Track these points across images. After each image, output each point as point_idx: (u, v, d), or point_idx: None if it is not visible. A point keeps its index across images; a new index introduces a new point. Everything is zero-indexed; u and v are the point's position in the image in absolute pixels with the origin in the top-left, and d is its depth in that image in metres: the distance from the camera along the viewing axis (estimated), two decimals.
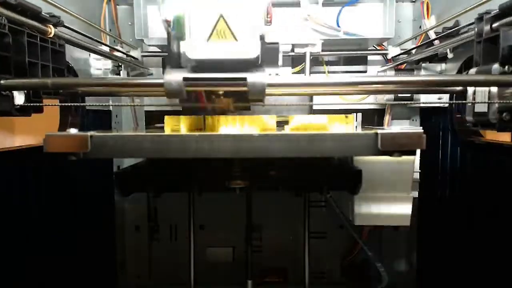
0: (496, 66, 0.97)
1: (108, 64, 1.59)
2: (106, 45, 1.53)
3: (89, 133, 0.84)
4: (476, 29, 1.07)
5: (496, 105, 1.01)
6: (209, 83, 0.88)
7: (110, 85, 1.05)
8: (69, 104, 1.17)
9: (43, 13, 1.04)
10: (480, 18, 1.05)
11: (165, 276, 1.90)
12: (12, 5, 0.91)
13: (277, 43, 1.02)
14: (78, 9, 1.31)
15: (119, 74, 1.67)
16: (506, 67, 0.95)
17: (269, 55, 0.94)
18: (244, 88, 0.86)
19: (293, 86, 1.01)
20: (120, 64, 1.63)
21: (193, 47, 0.84)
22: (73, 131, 0.87)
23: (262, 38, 0.85)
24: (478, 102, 1.08)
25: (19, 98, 0.94)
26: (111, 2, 1.70)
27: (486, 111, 1.06)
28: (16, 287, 1.14)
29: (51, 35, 1.06)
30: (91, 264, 1.58)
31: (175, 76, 0.86)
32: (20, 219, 1.17)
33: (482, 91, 1.06)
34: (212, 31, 0.83)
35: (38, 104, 1.00)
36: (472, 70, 1.08)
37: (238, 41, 0.83)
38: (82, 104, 1.33)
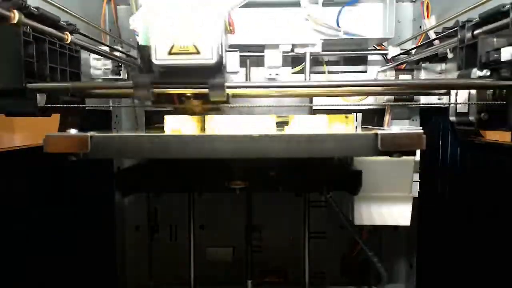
0: (475, 70, 1.06)
1: (108, 64, 1.59)
2: (106, 45, 1.53)
3: (89, 134, 0.84)
4: (459, 35, 1.17)
5: (475, 106, 1.13)
6: (173, 86, 1.00)
7: (123, 88, 1.13)
8: (69, 104, 1.18)
9: (61, 22, 1.13)
10: (462, 26, 1.15)
11: (165, 276, 1.90)
12: (34, 15, 0.99)
13: (236, 50, 1.14)
14: (78, 9, 1.31)
15: (119, 74, 1.67)
16: (484, 71, 1.04)
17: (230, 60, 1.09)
18: (206, 91, 0.97)
19: (250, 87, 1.12)
20: (120, 64, 1.63)
21: (159, 56, 0.92)
22: (73, 131, 0.87)
23: (221, 46, 0.93)
24: (477, 103, 1.12)
25: (41, 100, 1.03)
26: (111, 2, 1.70)
27: (467, 111, 1.18)
28: (16, 287, 1.14)
29: (68, 42, 1.15)
30: (91, 264, 1.58)
31: (144, 80, 0.97)
32: (20, 219, 1.17)
33: (463, 93, 1.18)
34: (172, 46, 0.92)
35: (56, 105, 1.09)
36: (455, 74, 1.19)
37: (200, 52, 0.91)
38: (82, 104, 1.33)
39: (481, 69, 1.04)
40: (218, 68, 0.95)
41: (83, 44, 1.26)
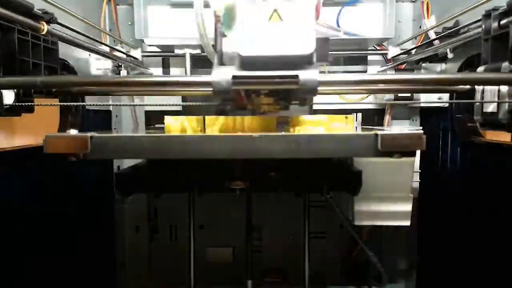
0: (506, 64, 0.95)
1: (108, 64, 1.59)
2: (106, 45, 1.53)
3: (89, 134, 0.84)
4: (483, 26, 1.03)
5: (507, 105, 0.98)
6: (260, 81, 0.83)
7: (108, 84, 1.01)
8: (69, 104, 1.17)
9: (35, 10, 1.00)
10: (487, 15, 1.02)
11: (165, 276, 1.90)
12: (2, 1, 0.88)
13: (327, 38, 0.94)
14: (78, 9, 1.31)
15: (119, 74, 1.67)
16: None
17: (320, 51, 0.86)
18: (295, 86, 0.81)
19: (346, 84, 0.96)
20: (120, 64, 1.63)
21: (245, 44, 0.78)
22: (73, 132, 0.87)
23: (314, 33, 0.80)
24: (478, 102, 1.08)
25: (8, 98, 0.92)
26: (111, 2, 1.70)
27: (496, 111, 1.03)
28: (16, 287, 1.14)
29: (44, 32, 1.02)
30: (91, 264, 1.58)
31: (224, 74, 0.80)
32: (20, 219, 1.17)
33: (491, 90, 1.03)
34: (264, 28, 0.78)
35: (28, 103, 0.97)
36: (480, 69, 1.04)
37: (294, 38, 0.78)
38: (81, 104, 1.33)
39: None
40: (310, 59, 0.82)
41: (62, 35, 1.14)
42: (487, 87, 1.03)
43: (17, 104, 0.94)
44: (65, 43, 1.18)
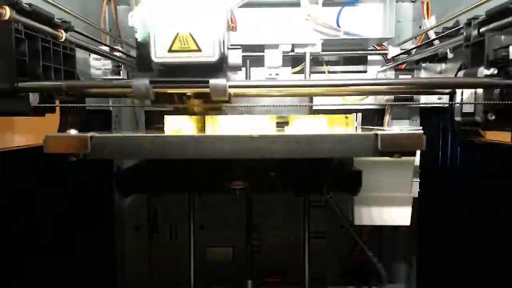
0: (481, 69, 1.03)
1: (108, 64, 1.59)
2: (106, 45, 1.53)
3: (89, 134, 0.84)
4: (464, 33, 1.12)
5: (481, 105, 1.07)
6: (173, 85, 0.95)
7: (119, 87, 1.09)
8: (69, 104, 1.18)
9: (55, 19, 1.09)
10: (468, 23, 1.11)
11: (165, 276, 1.90)
12: (27, 12, 0.96)
13: (239, 47, 1.05)
14: (78, 9, 1.31)
15: (119, 74, 1.67)
16: (491, 69, 1.00)
17: (232, 58, 1.00)
18: (207, 90, 0.93)
19: (252, 87, 1.08)
20: (120, 64, 1.63)
21: (158, 54, 0.89)
22: (73, 132, 0.87)
23: (223, 43, 0.90)
24: (478, 103, 1.11)
25: (34, 100, 1.00)
26: (111, 2, 1.70)
27: (473, 111, 1.13)
28: (16, 287, 1.14)
29: (62, 40, 1.11)
30: (91, 264, 1.58)
31: (142, 79, 0.93)
32: (20, 219, 1.17)
33: (469, 92, 1.14)
34: (173, 43, 0.88)
35: (51, 105, 1.06)
36: (461, 73, 1.14)
37: (201, 50, 0.88)
38: (82, 104, 1.33)
39: (488, 67, 1.01)
40: (220, 66, 0.92)
41: (79, 42, 1.23)
42: (466, 90, 1.14)
43: (41, 105, 1.02)
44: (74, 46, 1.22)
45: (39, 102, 1.02)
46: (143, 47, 0.95)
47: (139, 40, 0.95)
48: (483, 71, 1.02)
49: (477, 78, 1.03)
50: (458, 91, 1.20)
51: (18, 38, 0.92)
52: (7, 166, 1.10)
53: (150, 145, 0.86)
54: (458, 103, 1.22)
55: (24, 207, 1.18)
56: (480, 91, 1.10)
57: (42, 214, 1.26)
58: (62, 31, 1.11)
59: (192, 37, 0.88)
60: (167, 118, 1.02)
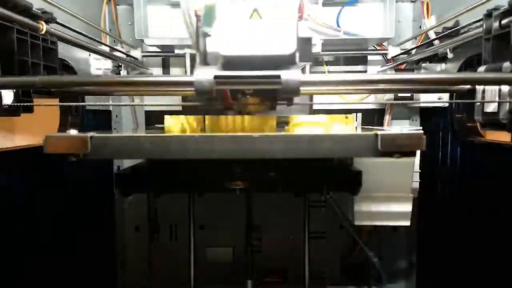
0: (507, 64, 0.95)
1: (108, 64, 1.59)
2: (106, 45, 1.53)
3: (89, 134, 0.84)
4: (484, 25, 1.03)
5: (507, 105, 0.98)
6: (241, 81, 0.83)
7: (106, 84, 1.02)
8: (69, 104, 1.17)
9: (34, 9, 1.00)
10: (488, 15, 1.02)
11: (165, 276, 1.90)
12: (1, 0, 0.88)
13: (310, 38, 0.94)
14: (78, 9, 1.31)
15: (119, 74, 1.67)
16: None
17: (302, 50, 0.86)
18: (277, 86, 0.81)
19: (328, 84, 0.96)
20: (120, 64, 1.63)
21: (225, 43, 0.79)
22: (73, 132, 0.87)
23: (296, 33, 0.80)
24: (478, 102, 1.07)
25: (7, 98, 0.92)
26: (111, 2, 1.70)
27: (497, 111, 1.02)
28: (16, 287, 1.14)
29: (43, 32, 1.02)
30: (91, 264, 1.58)
31: (205, 74, 0.81)
32: (20, 219, 1.17)
33: (492, 89, 1.02)
34: (245, 28, 0.78)
35: (27, 104, 0.97)
36: (481, 68, 1.04)
37: (275, 38, 0.78)
38: (81, 104, 1.33)
39: None
40: (293, 59, 0.82)
41: (61, 35, 1.13)
42: (488, 87, 1.02)
43: (15, 104, 0.94)
44: (65, 43, 1.18)
45: (14, 100, 0.94)
46: (201, 39, 0.84)
47: (202, 30, 0.83)
48: (509, 66, 0.93)
49: (503, 74, 0.93)
50: (478, 88, 1.08)
51: None
52: (7, 166, 1.10)
53: (150, 145, 0.86)
54: (457, 101, 1.21)
55: (24, 207, 1.18)
56: (505, 88, 0.98)
57: (42, 214, 1.26)
58: (43, 23, 1.01)
59: (266, 26, 0.79)
60: (167, 118, 1.02)
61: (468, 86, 1.08)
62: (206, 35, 0.83)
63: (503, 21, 0.97)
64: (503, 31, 0.97)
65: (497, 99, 1.00)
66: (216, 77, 0.81)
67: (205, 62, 0.85)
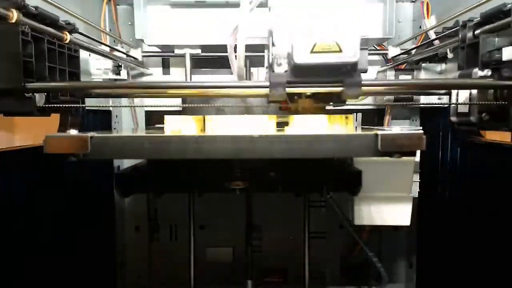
0: (476, 70, 1.05)
1: (108, 64, 1.59)
2: (106, 45, 1.53)
3: (89, 134, 0.84)
4: (460, 35, 1.15)
5: (476, 106, 1.11)
6: (311, 86, 0.98)
7: (129, 88, 1.16)
8: (69, 104, 1.18)
9: (60, 21, 1.11)
10: (464, 25, 1.14)
11: (165, 276, 1.90)
12: (33, 14, 0.98)
13: (366, 48, 1.06)
14: (78, 9, 1.31)
15: (119, 74, 1.67)
16: (485, 71, 1.03)
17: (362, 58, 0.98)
18: (341, 89, 0.96)
19: (386, 86, 1.10)
20: (120, 64, 1.63)
21: (299, 55, 0.91)
22: (73, 132, 0.87)
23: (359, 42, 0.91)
24: (476, 103, 1.12)
25: (39, 100, 1.02)
26: (111, 2, 1.70)
27: (468, 111, 1.17)
28: (16, 287, 1.14)
29: (67, 41, 1.13)
30: (91, 264, 1.58)
31: (279, 78, 0.96)
32: (20, 219, 1.17)
33: (464, 93, 1.16)
34: (314, 45, 0.90)
35: (56, 105, 1.08)
36: (456, 74, 1.18)
37: (342, 51, 0.90)
38: (82, 104, 1.33)
39: (482, 68, 1.03)
40: (355, 66, 0.94)
41: (83, 43, 1.25)
42: (461, 91, 1.17)
43: (47, 106, 1.05)
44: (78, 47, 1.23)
45: (45, 102, 1.05)
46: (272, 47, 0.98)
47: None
48: (477, 72, 1.04)
49: (472, 79, 1.06)
50: (454, 91, 1.22)
51: (24, 40, 0.94)
52: (7, 166, 1.10)
53: (150, 145, 0.86)
54: (458, 103, 1.22)
55: (24, 207, 1.18)
56: (475, 91, 1.12)
57: (42, 214, 1.26)
58: (67, 33, 1.13)
59: (336, 43, 0.90)
60: (167, 118, 1.02)
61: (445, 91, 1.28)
62: (273, 44, 0.97)
63: (476, 31, 1.09)
64: (476, 40, 1.09)
65: (468, 101, 1.15)
66: (288, 82, 0.96)
67: (272, 69, 0.99)
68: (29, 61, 0.96)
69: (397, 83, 1.22)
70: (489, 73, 1.02)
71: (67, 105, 1.15)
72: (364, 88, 1.09)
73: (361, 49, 0.96)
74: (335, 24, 0.90)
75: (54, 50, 1.07)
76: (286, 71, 0.98)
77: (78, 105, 1.21)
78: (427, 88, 1.24)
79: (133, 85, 1.18)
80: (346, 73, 0.94)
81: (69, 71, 1.14)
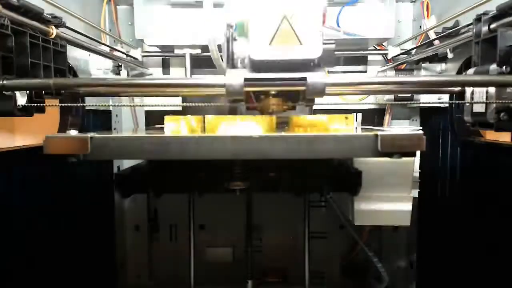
0: (494, 66, 0.98)
1: (108, 64, 1.59)
2: (106, 45, 1.53)
3: (89, 135, 0.84)
4: (474, 29, 1.07)
5: (494, 105, 1.01)
6: (269, 83, 0.89)
7: (118, 86, 1.04)
8: (69, 104, 1.17)
9: (45, 14, 1.04)
10: (478, 19, 1.06)
11: (165, 276, 1.90)
12: (14, 6, 0.91)
13: (333, 43, 0.97)
14: (78, 9, 1.31)
15: (119, 74, 1.67)
16: (504, 67, 0.95)
17: (325, 54, 0.91)
18: (303, 88, 0.87)
19: (351, 85, 1.00)
20: (120, 64, 1.63)
21: (256, 49, 0.85)
22: (73, 132, 0.87)
23: (321, 37, 0.85)
24: (476, 102, 1.09)
25: (21, 99, 0.96)
26: (111, 2, 1.70)
27: (484, 111, 1.07)
28: (16, 287, 1.14)
29: (53, 36, 1.07)
30: (91, 264, 1.58)
31: (236, 76, 0.87)
32: (20, 219, 1.17)
33: (480, 91, 1.06)
34: (275, 34, 0.84)
35: (40, 104, 1.01)
36: (471, 71, 1.08)
37: (302, 43, 0.83)
38: (82, 104, 1.33)
39: (500, 64, 0.95)
40: (318, 63, 0.87)
41: (70, 38, 1.18)
42: (476, 88, 1.06)
43: (30, 104, 0.97)
44: (69, 44, 1.19)
45: (27, 101, 0.98)
46: (230, 43, 0.92)
47: (236, 36, 0.91)
48: (495, 69, 0.97)
49: (490, 76, 0.98)
50: (468, 90, 1.11)
51: (3, 33, 0.87)
52: (7, 166, 1.10)
53: (150, 146, 0.86)
54: (458, 102, 1.21)
55: (24, 207, 1.18)
56: (492, 90, 1.03)
57: (42, 214, 1.26)
58: (53, 27, 1.06)
59: (295, 34, 0.84)
60: (167, 118, 1.02)
61: (459, 88, 1.12)
62: (234, 39, 0.91)
63: (492, 25, 1.01)
64: (492, 34, 1.00)
65: (484, 99, 1.04)
66: (246, 79, 0.87)
67: (233, 65, 0.93)
68: (9, 56, 0.89)
69: (408, 81, 1.09)
70: (508, 69, 0.94)
71: (61, 105, 1.10)
72: (374, 86, 1.04)
73: (327, 43, 0.91)
74: (296, 15, 0.83)
75: (37, 45, 0.99)
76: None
77: (77, 105, 1.19)
78: (440, 86, 1.11)
79: (126, 83, 1.03)
80: (306, 69, 0.86)
81: (55, 67, 1.06)
